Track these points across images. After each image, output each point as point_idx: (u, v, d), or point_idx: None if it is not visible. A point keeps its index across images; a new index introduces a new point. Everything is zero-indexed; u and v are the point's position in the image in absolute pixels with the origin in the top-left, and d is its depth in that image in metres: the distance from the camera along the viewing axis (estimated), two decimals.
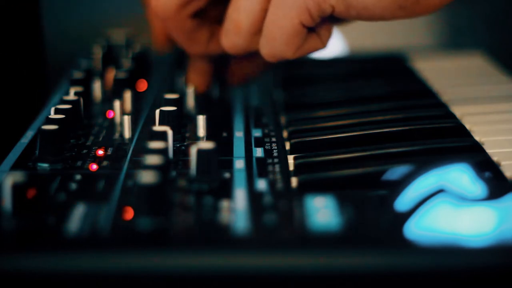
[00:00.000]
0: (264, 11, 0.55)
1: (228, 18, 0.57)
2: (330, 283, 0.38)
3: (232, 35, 0.57)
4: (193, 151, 0.46)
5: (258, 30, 0.56)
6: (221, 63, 0.65)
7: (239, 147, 0.53)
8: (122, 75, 0.65)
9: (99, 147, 0.53)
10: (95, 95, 0.65)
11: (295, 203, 0.44)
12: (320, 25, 0.55)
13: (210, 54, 0.62)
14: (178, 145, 0.53)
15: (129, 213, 0.42)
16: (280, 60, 0.56)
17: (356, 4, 0.52)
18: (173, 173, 0.48)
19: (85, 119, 0.58)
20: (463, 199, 0.41)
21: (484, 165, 0.48)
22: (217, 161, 0.47)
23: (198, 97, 0.63)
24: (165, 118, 0.54)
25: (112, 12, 0.91)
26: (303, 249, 0.39)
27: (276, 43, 0.55)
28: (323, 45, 0.57)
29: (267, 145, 0.54)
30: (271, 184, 0.47)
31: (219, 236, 0.40)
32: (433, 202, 0.41)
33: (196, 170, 0.46)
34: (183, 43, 0.61)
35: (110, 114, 0.60)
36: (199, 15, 0.59)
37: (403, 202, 0.42)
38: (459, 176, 0.43)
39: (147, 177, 0.41)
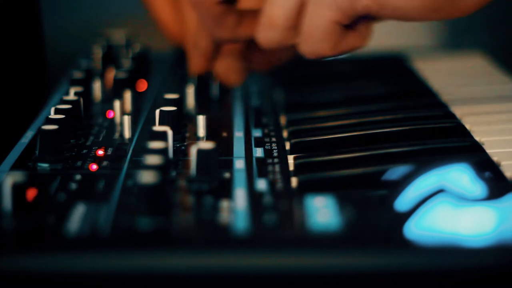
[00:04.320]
0: (299, 6, 0.56)
1: (263, 13, 0.57)
2: (330, 283, 0.38)
3: (268, 30, 0.57)
4: (193, 151, 0.46)
5: (293, 25, 0.56)
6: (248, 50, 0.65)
7: (239, 147, 0.53)
8: (122, 75, 0.65)
9: (99, 147, 0.53)
10: (95, 95, 0.65)
11: (295, 203, 0.44)
12: (358, 23, 0.56)
13: (237, 40, 0.62)
14: (178, 145, 0.53)
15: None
16: (320, 58, 0.57)
17: (388, 5, 0.53)
18: (173, 173, 0.48)
19: (85, 119, 0.58)
20: (463, 199, 0.41)
21: (484, 165, 0.48)
22: (217, 161, 0.47)
23: (198, 97, 0.63)
24: (165, 118, 0.54)
25: (112, 12, 0.91)
26: (303, 249, 0.39)
27: (313, 41, 0.56)
28: (362, 42, 0.57)
29: (267, 145, 0.54)
30: (271, 184, 0.47)
31: (219, 236, 0.40)
32: (433, 202, 0.41)
33: (196, 170, 0.46)
34: (211, 28, 0.61)
35: (110, 114, 0.60)
36: (227, 1, 0.60)
37: (403, 202, 0.41)
38: (459, 176, 0.42)
39: (147, 177, 0.41)
